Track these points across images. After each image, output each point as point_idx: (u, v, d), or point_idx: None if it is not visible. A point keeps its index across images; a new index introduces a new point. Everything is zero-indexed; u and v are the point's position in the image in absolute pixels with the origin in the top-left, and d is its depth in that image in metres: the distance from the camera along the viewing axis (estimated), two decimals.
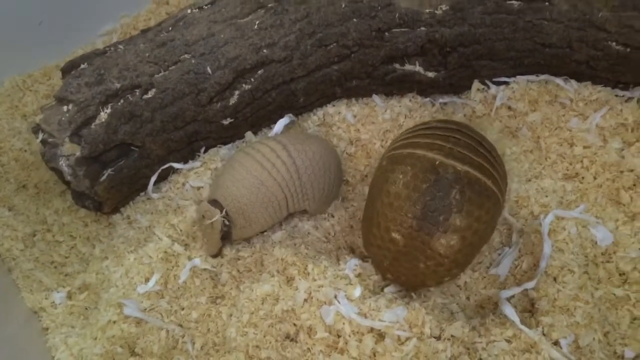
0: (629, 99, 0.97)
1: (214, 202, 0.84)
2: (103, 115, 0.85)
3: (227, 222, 0.83)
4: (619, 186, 0.91)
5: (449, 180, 0.75)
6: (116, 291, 0.84)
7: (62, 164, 0.84)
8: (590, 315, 0.79)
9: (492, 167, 0.79)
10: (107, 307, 0.82)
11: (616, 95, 0.97)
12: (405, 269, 0.79)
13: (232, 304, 0.83)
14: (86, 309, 0.87)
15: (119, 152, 0.87)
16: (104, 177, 0.86)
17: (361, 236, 0.88)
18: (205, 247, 0.87)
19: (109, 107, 0.85)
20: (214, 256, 0.87)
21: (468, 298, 0.86)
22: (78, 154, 0.84)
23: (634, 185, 0.91)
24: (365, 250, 0.87)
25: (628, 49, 0.92)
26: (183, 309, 0.84)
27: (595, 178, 0.92)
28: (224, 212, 0.83)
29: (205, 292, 0.85)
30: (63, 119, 0.84)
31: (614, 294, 0.83)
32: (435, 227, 0.75)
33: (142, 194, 0.95)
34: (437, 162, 0.77)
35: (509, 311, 0.79)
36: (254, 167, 0.84)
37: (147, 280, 0.85)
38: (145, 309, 0.82)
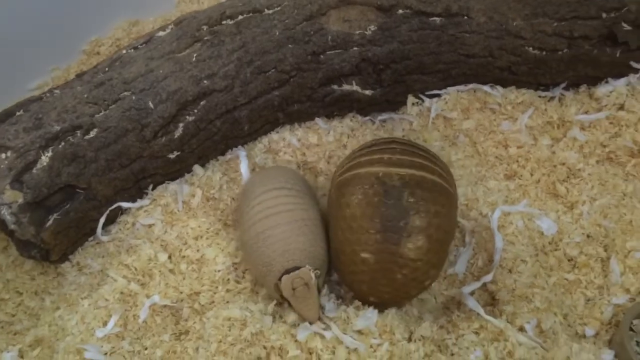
0: (551, 99, 1.04)
1: (291, 270, 0.77)
2: (44, 159, 0.83)
3: (318, 274, 0.78)
4: (554, 179, 0.97)
5: (397, 187, 0.77)
6: (73, 339, 0.79)
7: (4, 212, 0.80)
8: (549, 299, 0.82)
9: (433, 164, 0.81)
10: (65, 356, 0.77)
11: (539, 96, 1.04)
12: (384, 286, 0.78)
13: (198, 337, 0.80)
14: None
15: (64, 195, 0.85)
16: (49, 223, 0.83)
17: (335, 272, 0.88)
18: (306, 315, 0.78)
19: (50, 150, 0.83)
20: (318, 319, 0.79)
21: (435, 299, 0.87)
22: (21, 200, 0.80)
23: (568, 177, 0.97)
24: (344, 283, 0.86)
25: (543, 52, 1.00)
26: (146, 348, 0.80)
27: (532, 174, 0.98)
28: (309, 268, 0.77)
29: (167, 330, 0.82)
30: (2, 166, 0.81)
31: (566, 279, 0.87)
32: (397, 234, 0.75)
33: (91, 238, 0.92)
34: (380, 174, 0.78)
35: (473, 303, 0.81)
36: (285, 217, 0.81)
37: (105, 323, 0.81)
38: (107, 353, 0.78)
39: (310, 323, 0.78)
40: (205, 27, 0.93)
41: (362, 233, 0.77)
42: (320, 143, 1.02)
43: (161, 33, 0.96)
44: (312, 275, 0.77)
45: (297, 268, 0.77)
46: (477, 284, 0.84)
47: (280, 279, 0.77)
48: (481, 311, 0.80)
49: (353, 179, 0.80)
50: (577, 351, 0.75)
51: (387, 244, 0.75)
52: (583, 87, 1.04)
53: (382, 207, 0.76)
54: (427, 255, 0.77)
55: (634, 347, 0.74)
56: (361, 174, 0.79)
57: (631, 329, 0.76)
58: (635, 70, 1.02)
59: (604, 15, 0.97)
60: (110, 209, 0.90)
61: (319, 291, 0.80)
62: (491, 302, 0.85)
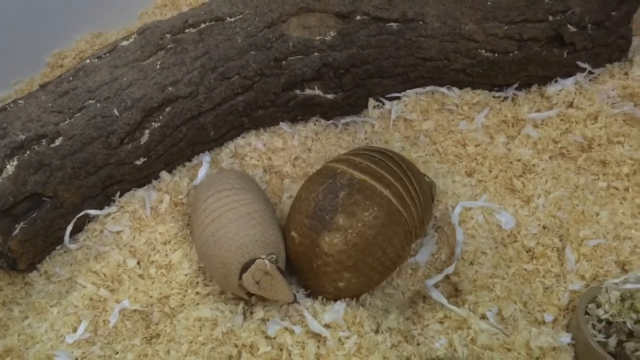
0: (505, 98, 1.09)
1: (249, 263, 0.78)
2: (10, 168, 0.83)
3: (274, 258, 0.79)
4: (511, 175, 1.01)
5: (341, 184, 0.80)
6: (42, 346, 0.79)
7: None
8: (508, 288, 0.86)
9: (400, 184, 0.82)
10: None
11: (494, 97, 1.09)
12: (305, 271, 0.83)
13: (169, 340, 0.81)
14: None
15: (30, 203, 0.85)
16: (16, 231, 0.83)
17: None
18: (281, 299, 0.80)
19: (15, 159, 0.84)
20: (294, 300, 0.81)
21: (402, 294, 0.90)
22: None
23: (523, 173, 1.02)
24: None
25: (496, 55, 1.04)
26: (117, 352, 0.80)
27: (490, 171, 1.02)
28: (265, 257, 0.78)
29: (138, 333, 0.83)
30: None
31: (525, 269, 0.90)
32: (321, 225, 0.79)
33: (59, 247, 0.92)
34: (338, 170, 0.82)
35: (436, 294, 0.84)
36: (230, 216, 0.82)
37: (75, 329, 0.81)
38: (77, 358, 0.78)
39: (290, 303, 0.81)
40: (168, 36, 0.95)
41: (298, 213, 0.82)
42: (286, 147, 1.04)
43: (125, 42, 0.97)
44: (267, 262, 0.78)
45: (254, 260, 0.79)
46: (440, 276, 0.87)
47: (241, 279, 0.79)
48: (444, 301, 0.83)
49: (322, 170, 0.85)
50: (536, 335, 0.79)
51: (311, 230, 0.80)
52: (534, 87, 1.10)
53: (321, 197, 0.80)
54: (340, 255, 0.79)
55: (590, 329, 0.78)
56: (328, 167, 0.84)
57: (587, 313, 0.80)
58: (582, 70, 1.08)
59: (551, 18, 1.03)
60: (78, 216, 0.90)
61: (282, 272, 0.81)
62: (455, 293, 0.88)
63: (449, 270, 0.87)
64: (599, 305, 0.80)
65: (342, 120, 1.09)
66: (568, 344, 0.79)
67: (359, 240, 0.78)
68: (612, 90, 1.06)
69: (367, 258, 0.80)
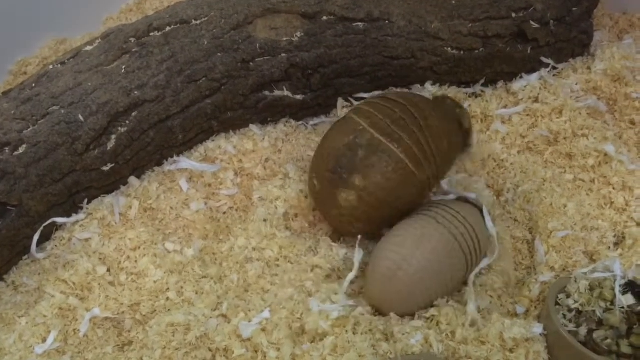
0: (472, 95, 1.10)
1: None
2: None
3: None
4: (483, 173, 1.02)
5: (361, 145, 0.85)
6: (11, 358, 0.77)
7: None
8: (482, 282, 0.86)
9: (417, 145, 0.86)
10: None
11: (463, 93, 1.10)
12: (326, 213, 0.91)
13: (142, 346, 0.80)
14: None
15: None
16: None
17: None
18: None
19: None
20: None
21: None
22: None
23: (494, 168, 1.03)
24: None
25: (461, 52, 1.06)
26: None
27: (464, 168, 1.03)
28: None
29: (110, 342, 0.81)
30: None
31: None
32: (340, 181, 0.85)
33: (26, 257, 0.90)
34: (360, 127, 0.86)
35: None
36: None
37: (44, 339, 0.79)
38: None
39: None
40: (133, 40, 0.94)
41: (322, 163, 0.88)
42: (256, 149, 1.04)
43: (88, 47, 0.96)
44: None
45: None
46: None
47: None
48: None
49: (347, 120, 0.90)
50: (509, 327, 0.79)
51: (330, 183, 0.87)
52: (500, 83, 1.11)
53: (341, 153, 0.86)
54: (354, 211, 0.86)
55: (560, 319, 0.79)
56: (353, 120, 0.88)
57: (557, 303, 0.81)
58: (546, 65, 1.10)
59: (514, 15, 1.05)
60: (44, 225, 0.88)
61: None
62: None
63: None
64: (568, 295, 0.81)
65: (311, 122, 1.09)
66: (540, 334, 0.80)
67: (372, 199, 0.85)
68: (576, 84, 1.08)
69: (378, 214, 0.87)
